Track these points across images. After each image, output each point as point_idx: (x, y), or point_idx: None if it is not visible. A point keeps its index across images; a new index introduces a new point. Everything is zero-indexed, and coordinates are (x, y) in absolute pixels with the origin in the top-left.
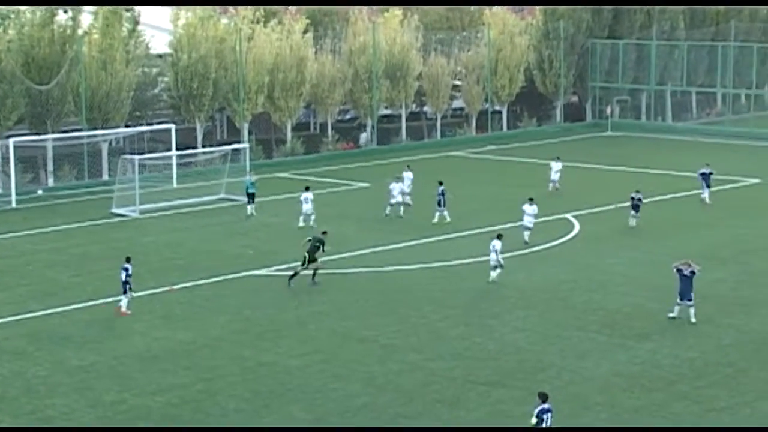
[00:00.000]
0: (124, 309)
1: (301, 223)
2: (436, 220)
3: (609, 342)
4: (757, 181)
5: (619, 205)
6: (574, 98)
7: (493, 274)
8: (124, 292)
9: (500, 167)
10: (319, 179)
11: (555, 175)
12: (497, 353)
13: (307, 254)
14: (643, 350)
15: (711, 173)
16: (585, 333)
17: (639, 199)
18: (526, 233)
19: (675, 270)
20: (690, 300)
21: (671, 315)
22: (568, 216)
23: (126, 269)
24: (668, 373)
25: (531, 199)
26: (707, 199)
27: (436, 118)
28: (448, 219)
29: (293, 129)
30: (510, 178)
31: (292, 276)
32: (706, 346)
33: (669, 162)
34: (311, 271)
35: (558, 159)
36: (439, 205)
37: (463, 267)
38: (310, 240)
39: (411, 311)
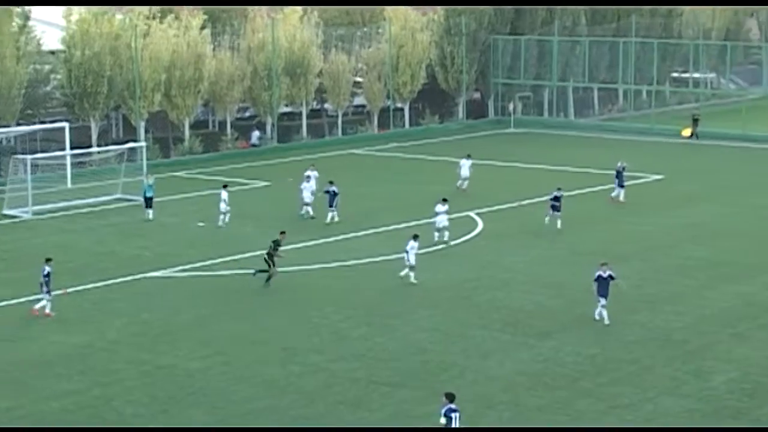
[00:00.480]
0: (47, 310)
1: (220, 223)
2: (328, 220)
3: (512, 340)
4: (659, 177)
5: (522, 202)
6: (477, 95)
7: (412, 275)
8: (47, 293)
9: (403, 165)
10: (218, 178)
11: (465, 173)
12: (400, 353)
13: (266, 257)
14: (546, 348)
15: (624, 168)
16: (488, 332)
17: (558, 197)
18: (446, 233)
19: (596, 277)
20: (605, 297)
21: (606, 322)
22: (471, 214)
23: (44, 270)
24: (571, 370)
25: (444, 200)
26: (621, 197)
27: (337, 116)
28: (336, 219)
29: (191, 127)
30: (413, 176)
31: (268, 279)
32: (609, 343)
33: (572, 158)
34: (268, 272)
35: (468, 157)
36: (330, 205)
37: (365, 267)
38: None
39: (312, 312)
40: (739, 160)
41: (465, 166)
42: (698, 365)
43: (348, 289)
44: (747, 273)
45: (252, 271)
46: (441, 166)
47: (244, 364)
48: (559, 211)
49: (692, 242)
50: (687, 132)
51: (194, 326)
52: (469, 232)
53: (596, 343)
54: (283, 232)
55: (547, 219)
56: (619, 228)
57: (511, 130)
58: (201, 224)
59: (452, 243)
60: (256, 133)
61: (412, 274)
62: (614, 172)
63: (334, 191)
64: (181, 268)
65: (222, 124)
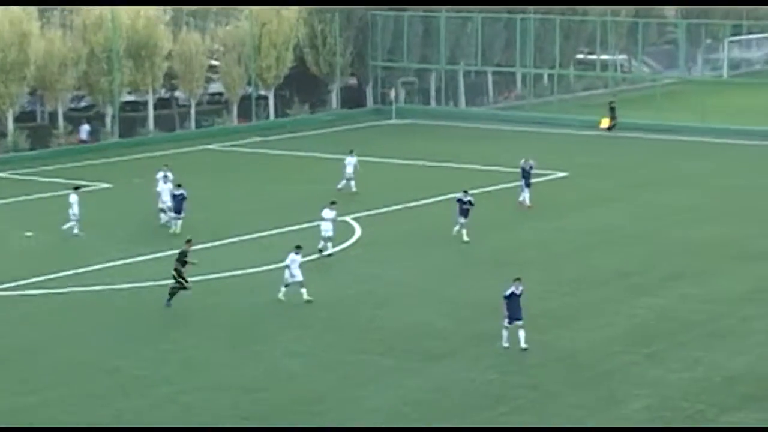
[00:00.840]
0: None
1: (75, 231)
2: (178, 229)
3: (396, 366)
4: (563, 174)
5: (407, 205)
6: (353, 80)
7: (304, 291)
8: None
9: (268, 162)
10: (48, 180)
11: (349, 172)
12: (267, 382)
13: (174, 271)
14: (436, 374)
15: (531, 167)
16: (369, 356)
17: (469, 202)
18: (329, 244)
19: (507, 295)
20: (520, 320)
21: (506, 344)
22: (348, 219)
23: None
24: (465, 399)
25: (333, 203)
26: (527, 201)
27: (190, 105)
28: (178, 231)
29: (15, 120)
30: (280, 176)
31: (171, 296)
32: (507, 367)
33: (463, 153)
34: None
35: (351, 153)
36: (178, 211)
37: (226, 281)
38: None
39: (163, 335)
40: (653, 153)
41: (350, 164)
42: (609, 391)
43: (207, 308)
44: (662, 283)
45: (166, 299)
46: (312, 163)
47: (82, 397)
48: (466, 217)
49: (600, 249)
50: (605, 123)
51: (22, 353)
52: (345, 241)
53: (493, 367)
54: (189, 240)
55: (456, 228)
56: (518, 234)
57: (393, 121)
58: (28, 234)
59: (317, 256)
60: (85, 127)
61: (303, 290)
62: (519, 171)
63: (183, 195)
64: (6, 286)
65: (53, 116)
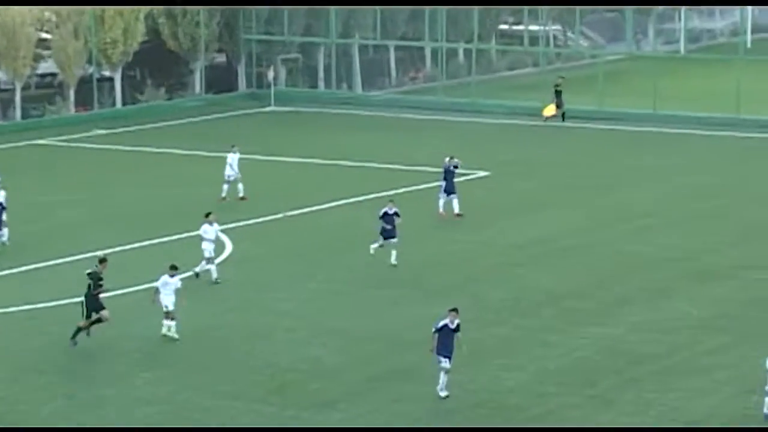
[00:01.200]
0: None
1: None
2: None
3: (278, 414)
4: (484, 174)
5: (288, 214)
6: (221, 58)
7: (170, 325)
8: None
9: (115, 161)
10: None
11: (231, 172)
12: None
13: (84, 299)
14: (328, 423)
15: (456, 167)
16: (243, 402)
17: (395, 214)
18: (212, 267)
19: (438, 327)
20: (449, 359)
21: (442, 394)
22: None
23: None
24: None
25: (208, 214)
26: (456, 208)
27: (14, 90)
28: (6, 241)
29: None
30: (131, 177)
31: (76, 332)
32: (417, 411)
33: (359, 148)
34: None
35: (234, 148)
36: None
37: (58, 310)
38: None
39: None
40: (594, 147)
41: (234, 163)
42: None
43: (36, 344)
44: (607, 309)
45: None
46: (171, 162)
47: None
48: (393, 237)
49: (532, 267)
50: (550, 110)
51: None
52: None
53: (398, 416)
54: (103, 260)
55: (373, 249)
56: (431, 248)
57: (272, 108)
58: None
59: (197, 271)
60: None
61: (169, 324)
62: (441, 172)
63: (1, 204)
64: None
65: None
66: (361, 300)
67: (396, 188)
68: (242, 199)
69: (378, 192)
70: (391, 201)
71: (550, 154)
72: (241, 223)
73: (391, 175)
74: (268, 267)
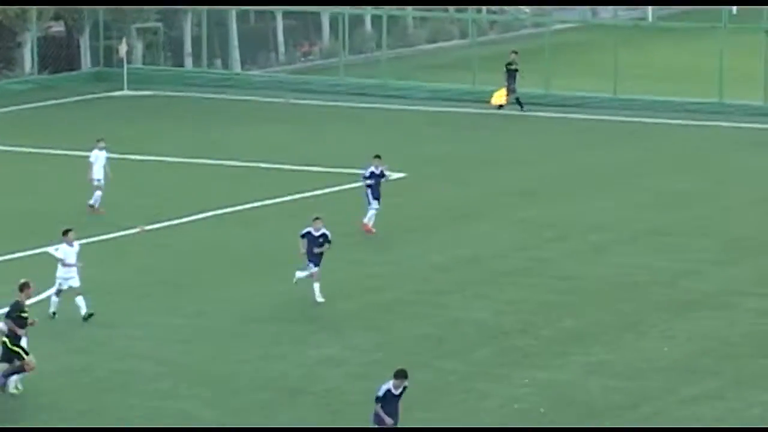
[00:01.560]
0: None
1: None
2: None
3: None
4: (399, 175)
5: (146, 227)
6: (59, 28)
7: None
8: None
9: None
10: None
11: (98, 174)
12: None
13: (6, 339)
14: None
15: (383, 174)
16: None
17: (324, 236)
18: (80, 300)
19: (381, 395)
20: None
21: None
22: (50, 250)
23: None
24: None
25: (68, 232)
26: (370, 222)
27: None
28: None
29: None
30: None
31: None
32: None
33: (238, 143)
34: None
35: (101, 143)
36: None
37: None
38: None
39: None
40: (539, 140)
41: (99, 162)
42: None
43: None
44: (554, 348)
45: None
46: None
47: None
48: (317, 265)
49: (460, 294)
50: (501, 96)
51: None
52: (43, 290)
53: None
54: (25, 285)
55: (296, 278)
56: (334, 272)
57: (125, 92)
58: None
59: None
60: None
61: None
62: (363, 179)
63: None
64: None
65: None
66: (240, 339)
67: (281, 195)
68: (93, 209)
69: (262, 200)
70: (317, 219)
71: (483, 152)
72: (85, 240)
73: (279, 176)
74: (121, 297)
